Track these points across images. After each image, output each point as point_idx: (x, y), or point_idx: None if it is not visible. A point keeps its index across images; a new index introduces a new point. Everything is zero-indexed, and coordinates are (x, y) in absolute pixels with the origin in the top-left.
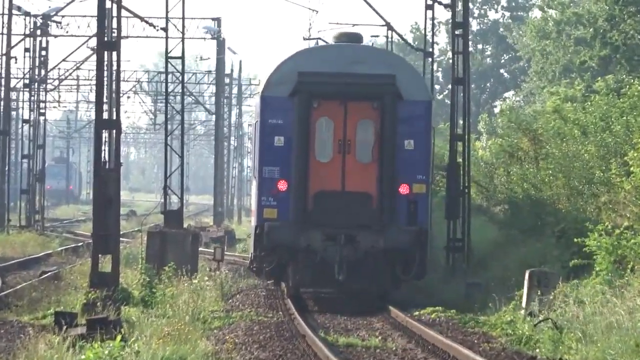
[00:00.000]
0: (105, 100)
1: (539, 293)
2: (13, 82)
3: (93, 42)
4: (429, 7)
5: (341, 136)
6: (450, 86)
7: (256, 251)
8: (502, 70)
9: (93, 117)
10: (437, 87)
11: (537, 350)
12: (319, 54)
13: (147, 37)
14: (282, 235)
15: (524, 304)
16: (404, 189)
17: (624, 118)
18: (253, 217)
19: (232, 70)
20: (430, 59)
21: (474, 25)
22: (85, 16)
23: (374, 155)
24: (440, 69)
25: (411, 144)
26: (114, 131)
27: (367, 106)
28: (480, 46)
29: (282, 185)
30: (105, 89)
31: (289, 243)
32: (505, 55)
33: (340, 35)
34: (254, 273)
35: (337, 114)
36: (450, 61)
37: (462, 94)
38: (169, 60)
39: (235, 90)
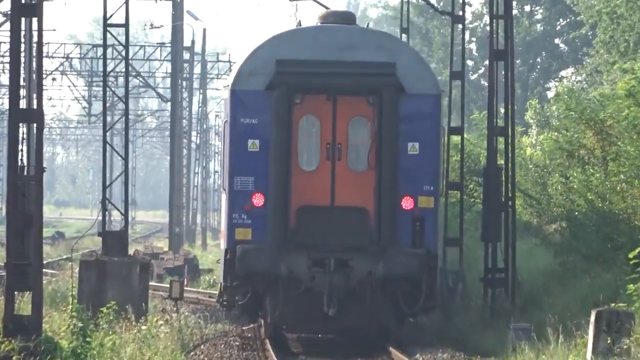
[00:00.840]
0: (22, 83)
1: (608, 340)
2: None
3: (6, 5)
4: None
5: (330, 139)
6: (487, 62)
7: (226, 281)
8: (557, 41)
9: (6, 106)
10: (469, 63)
11: None
12: (302, 38)
13: None
14: (258, 261)
15: (589, 355)
16: (407, 203)
17: None
18: (222, 238)
19: (193, 43)
20: (460, 26)
21: None
22: None
23: (370, 162)
24: (474, 39)
25: (416, 147)
26: (35, 125)
27: (361, 102)
28: (528, 8)
29: (258, 200)
30: (22, 68)
31: (266, 270)
32: (561, 20)
33: (327, 14)
34: (224, 308)
35: (324, 112)
36: (488, 29)
37: (503, 73)
38: (108, 28)
39: (197, 70)
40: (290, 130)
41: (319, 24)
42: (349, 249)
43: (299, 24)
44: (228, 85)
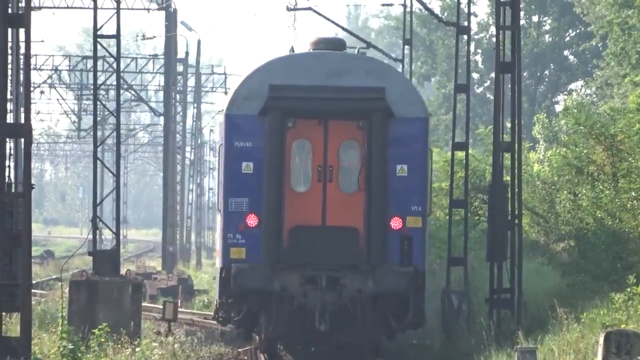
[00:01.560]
0: (9, 96)
1: None
2: None
3: None
4: None
5: (321, 161)
6: (493, 75)
7: (222, 298)
8: (566, 52)
9: None
10: (475, 76)
11: None
12: (294, 64)
13: (67, 7)
14: (252, 279)
15: None
16: (396, 223)
17: None
18: (217, 257)
19: (187, 54)
20: (465, 37)
21: None
22: None
23: (360, 184)
24: (479, 51)
25: (404, 169)
26: (23, 140)
27: (351, 125)
28: (536, 18)
29: (252, 220)
30: (9, 81)
31: (260, 288)
32: (571, 31)
33: (318, 41)
34: (221, 324)
35: (316, 135)
36: (494, 40)
37: (510, 86)
38: (99, 39)
39: (191, 82)
40: (283, 153)
41: (310, 50)
42: (339, 267)
43: (292, 49)
44: (223, 110)
